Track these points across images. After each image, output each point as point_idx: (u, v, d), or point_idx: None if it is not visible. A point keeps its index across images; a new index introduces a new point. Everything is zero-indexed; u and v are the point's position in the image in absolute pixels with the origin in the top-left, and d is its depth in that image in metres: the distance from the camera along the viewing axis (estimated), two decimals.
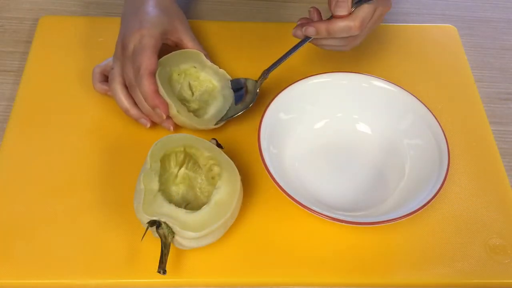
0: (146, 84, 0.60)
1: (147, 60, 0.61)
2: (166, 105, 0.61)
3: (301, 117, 0.65)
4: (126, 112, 0.64)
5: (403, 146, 0.64)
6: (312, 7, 0.64)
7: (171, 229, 0.52)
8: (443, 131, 0.61)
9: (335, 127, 0.67)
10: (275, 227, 0.59)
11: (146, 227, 0.53)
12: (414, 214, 0.54)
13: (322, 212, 0.54)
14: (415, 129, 0.64)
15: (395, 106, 0.65)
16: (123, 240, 0.57)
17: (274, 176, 0.56)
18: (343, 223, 0.54)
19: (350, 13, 0.59)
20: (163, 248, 0.52)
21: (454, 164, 0.65)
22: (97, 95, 0.69)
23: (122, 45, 0.64)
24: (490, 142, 0.67)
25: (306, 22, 0.63)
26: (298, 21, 0.64)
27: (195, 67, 0.67)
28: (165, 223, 0.52)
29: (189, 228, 0.52)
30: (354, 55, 0.74)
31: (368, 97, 0.66)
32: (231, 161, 0.58)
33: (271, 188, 0.59)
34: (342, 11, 0.59)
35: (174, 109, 0.62)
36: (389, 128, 0.65)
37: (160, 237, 0.52)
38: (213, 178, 0.59)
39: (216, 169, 0.58)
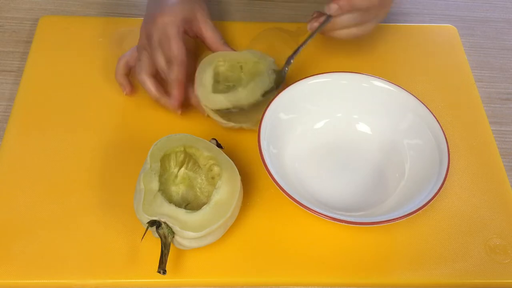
0: (175, 73, 0.62)
1: (175, 49, 0.62)
2: (182, 95, 0.64)
3: (301, 117, 0.65)
4: (156, 101, 0.66)
5: (403, 146, 0.64)
6: (315, 11, 0.66)
7: (171, 229, 0.52)
8: (443, 131, 0.61)
9: (335, 127, 0.67)
10: (275, 227, 0.59)
11: (146, 227, 0.53)
12: (414, 214, 0.54)
13: (322, 212, 0.54)
14: (415, 129, 0.63)
15: (395, 106, 0.65)
16: (123, 240, 0.57)
17: (274, 176, 0.56)
18: (343, 223, 0.54)
19: None
20: (163, 248, 0.52)
21: (454, 164, 0.65)
22: (97, 95, 0.69)
23: (146, 34, 0.65)
24: (490, 142, 0.67)
25: (318, 15, 0.65)
26: (311, 16, 0.66)
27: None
28: (165, 223, 0.52)
29: (189, 228, 0.52)
30: (354, 55, 0.74)
31: (368, 97, 0.66)
32: (231, 161, 0.58)
33: (271, 188, 0.59)
34: None
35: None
36: (389, 128, 0.65)
37: (160, 237, 0.52)
38: (213, 178, 0.59)
39: (216, 169, 0.58)
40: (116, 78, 0.68)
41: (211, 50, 0.69)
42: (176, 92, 0.63)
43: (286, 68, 0.67)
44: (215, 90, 0.65)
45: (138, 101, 0.68)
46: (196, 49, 0.72)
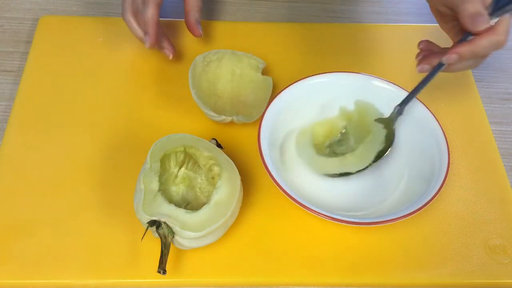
0: (150, 12, 0.64)
1: None
2: (156, 34, 0.65)
3: (301, 117, 0.65)
4: (141, 40, 0.67)
5: (403, 146, 0.64)
6: (422, 41, 0.63)
7: (171, 229, 0.52)
8: (443, 131, 0.61)
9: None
10: (275, 227, 0.59)
11: (146, 227, 0.53)
12: (414, 214, 0.54)
13: (322, 212, 0.54)
14: (415, 129, 0.63)
15: (395, 106, 0.65)
16: (123, 240, 0.57)
17: (274, 176, 0.56)
18: (343, 223, 0.54)
19: (490, 27, 0.56)
20: (163, 248, 0.52)
21: (454, 164, 0.65)
22: (97, 95, 0.69)
23: None
24: (490, 142, 0.67)
25: (428, 54, 0.61)
26: (417, 56, 0.62)
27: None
28: (165, 223, 0.52)
29: (189, 228, 0.52)
30: (354, 55, 0.74)
31: (368, 97, 0.66)
32: (231, 161, 0.58)
33: (271, 188, 0.59)
34: (482, 25, 0.55)
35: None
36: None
37: (160, 237, 0.52)
38: (213, 178, 0.59)
39: (216, 169, 0.58)
40: (124, 17, 0.68)
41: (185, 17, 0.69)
42: (151, 30, 0.65)
43: (396, 119, 0.62)
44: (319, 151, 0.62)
45: (138, 101, 0.68)
46: None
